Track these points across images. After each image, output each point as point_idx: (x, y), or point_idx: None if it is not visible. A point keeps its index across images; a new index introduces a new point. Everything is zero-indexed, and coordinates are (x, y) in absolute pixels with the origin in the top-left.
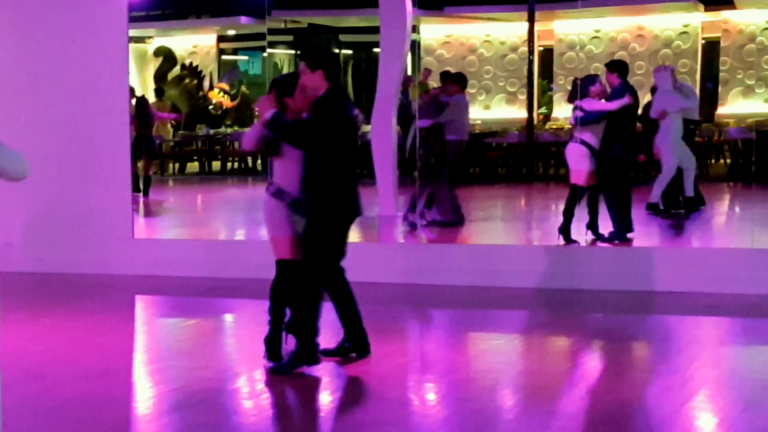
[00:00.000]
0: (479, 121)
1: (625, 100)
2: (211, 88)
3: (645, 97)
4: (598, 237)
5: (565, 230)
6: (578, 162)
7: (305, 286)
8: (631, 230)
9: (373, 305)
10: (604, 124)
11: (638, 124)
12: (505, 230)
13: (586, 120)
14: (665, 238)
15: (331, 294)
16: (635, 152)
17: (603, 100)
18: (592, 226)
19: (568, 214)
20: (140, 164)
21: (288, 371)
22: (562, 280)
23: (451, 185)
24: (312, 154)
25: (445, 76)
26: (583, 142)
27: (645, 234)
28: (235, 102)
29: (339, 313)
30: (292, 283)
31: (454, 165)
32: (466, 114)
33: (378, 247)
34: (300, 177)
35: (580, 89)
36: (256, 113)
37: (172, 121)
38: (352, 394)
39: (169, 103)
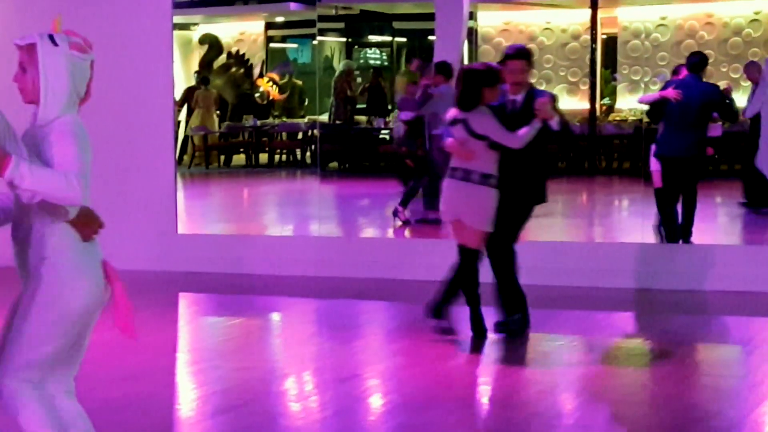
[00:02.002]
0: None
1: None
2: (261, 75)
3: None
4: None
5: (664, 232)
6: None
7: (503, 265)
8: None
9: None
10: (665, 120)
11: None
12: (566, 227)
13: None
14: (746, 235)
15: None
16: (695, 151)
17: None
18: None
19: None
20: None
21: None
22: (628, 279)
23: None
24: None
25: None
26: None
27: (714, 231)
28: (284, 96)
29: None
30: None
31: (441, 162)
32: (452, 106)
33: (436, 243)
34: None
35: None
36: (536, 114)
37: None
38: (406, 395)
39: (215, 92)
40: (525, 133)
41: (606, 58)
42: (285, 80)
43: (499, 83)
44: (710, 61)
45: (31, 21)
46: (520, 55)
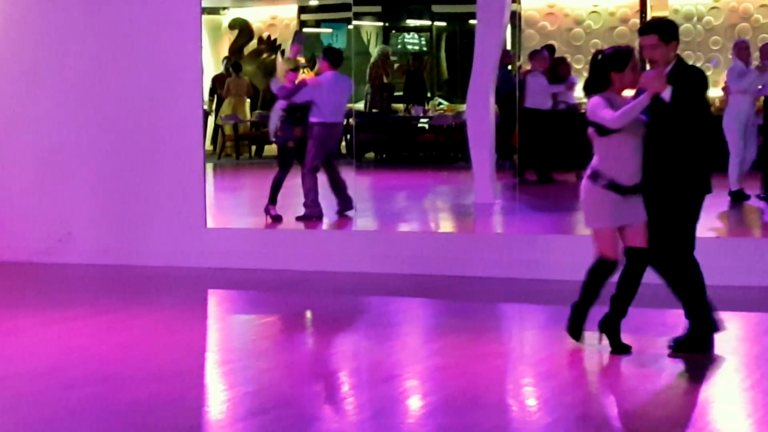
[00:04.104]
0: (585, 101)
1: None
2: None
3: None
4: None
5: None
6: None
7: (685, 274)
8: None
9: (466, 301)
10: None
11: None
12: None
13: None
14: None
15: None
16: None
17: None
18: None
19: None
20: None
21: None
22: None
23: (314, 173)
24: (689, 131)
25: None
26: None
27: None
28: (316, 69)
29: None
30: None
31: (317, 152)
32: (336, 95)
33: (474, 237)
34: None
35: None
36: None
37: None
38: (446, 397)
39: (247, 79)
40: (623, 111)
41: None
42: (308, 55)
43: (630, 67)
44: None
45: (53, 12)
46: (648, 29)
